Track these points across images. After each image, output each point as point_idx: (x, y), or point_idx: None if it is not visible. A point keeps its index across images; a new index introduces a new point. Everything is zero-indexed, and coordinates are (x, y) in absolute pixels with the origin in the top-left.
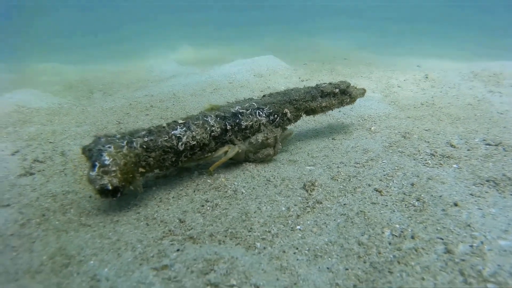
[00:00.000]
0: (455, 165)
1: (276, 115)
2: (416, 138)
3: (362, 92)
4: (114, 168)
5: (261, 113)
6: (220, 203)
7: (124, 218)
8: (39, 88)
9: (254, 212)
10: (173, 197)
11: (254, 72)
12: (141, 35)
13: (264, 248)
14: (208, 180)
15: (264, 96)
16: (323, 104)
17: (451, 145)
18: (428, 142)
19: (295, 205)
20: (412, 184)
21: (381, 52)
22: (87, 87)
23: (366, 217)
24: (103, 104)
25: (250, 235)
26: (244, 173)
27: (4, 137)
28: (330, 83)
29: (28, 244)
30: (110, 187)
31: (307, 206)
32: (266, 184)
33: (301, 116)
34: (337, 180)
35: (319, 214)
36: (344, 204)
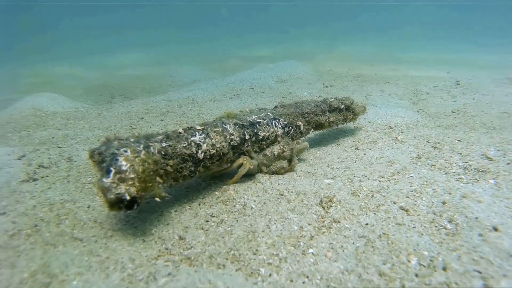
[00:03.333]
0: (492, 181)
1: (290, 127)
2: (448, 149)
3: (363, 110)
4: (132, 176)
5: (277, 123)
6: (226, 218)
7: (120, 232)
8: (61, 92)
9: (262, 231)
10: (175, 211)
11: (276, 77)
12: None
13: (269, 275)
14: (216, 192)
15: (275, 107)
16: (331, 119)
17: (487, 158)
18: (461, 153)
19: (309, 224)
20: (444, 203)
21: (409, 58)
22: (108, 92)
23: (389, 241)
24: (120, 109)
25: (254, 259)
26: (256, 185)
27: (16, 140)
28: (336, 98)
29: (13, 258)
30: (127, 197)
31: (322, 226)
32: (278, 198)
33: (310, 130)
34: (358, 195)
35: (335, 236)
36: (365, 225)
